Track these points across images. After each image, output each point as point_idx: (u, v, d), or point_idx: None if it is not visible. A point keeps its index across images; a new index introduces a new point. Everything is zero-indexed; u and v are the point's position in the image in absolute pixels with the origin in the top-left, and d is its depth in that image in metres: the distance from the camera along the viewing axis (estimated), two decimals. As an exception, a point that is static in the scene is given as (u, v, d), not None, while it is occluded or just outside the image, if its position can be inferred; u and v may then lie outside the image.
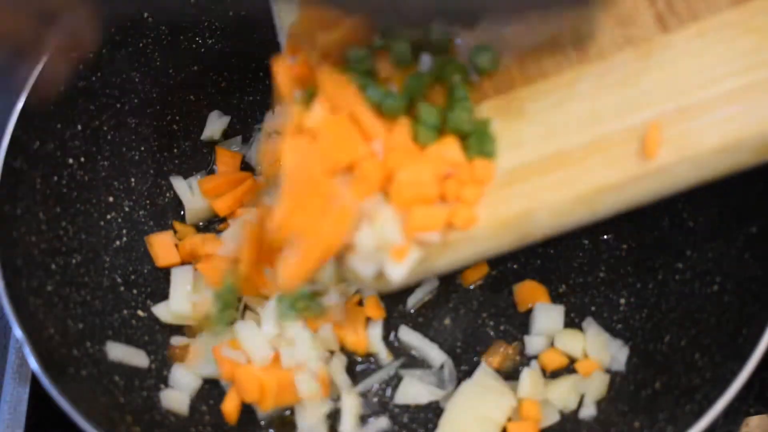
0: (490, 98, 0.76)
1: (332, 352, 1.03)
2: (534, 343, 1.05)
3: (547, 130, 0.74)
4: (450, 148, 0.72)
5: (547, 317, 1.05)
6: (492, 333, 1.07)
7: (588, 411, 0.99)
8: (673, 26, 0.76)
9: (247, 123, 1.20)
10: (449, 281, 1.09)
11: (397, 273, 0.70)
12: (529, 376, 1.01)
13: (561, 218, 0.73)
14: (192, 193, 1.13)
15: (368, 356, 1.05)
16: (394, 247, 0.69)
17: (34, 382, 0.97)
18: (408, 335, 1.06)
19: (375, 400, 1.03)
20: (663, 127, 0.72)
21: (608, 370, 1.02)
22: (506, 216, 0.72)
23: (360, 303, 1.06)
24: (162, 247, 1.08)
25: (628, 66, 0.75)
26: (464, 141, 0.73)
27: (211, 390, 1.02)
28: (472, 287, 1.09)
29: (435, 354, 1.05)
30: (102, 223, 1.07)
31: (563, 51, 0.77)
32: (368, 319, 1.06)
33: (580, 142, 0.73)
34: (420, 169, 0.70)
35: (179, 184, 1.14)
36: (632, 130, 0.73)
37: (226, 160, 1.15)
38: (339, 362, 1.03)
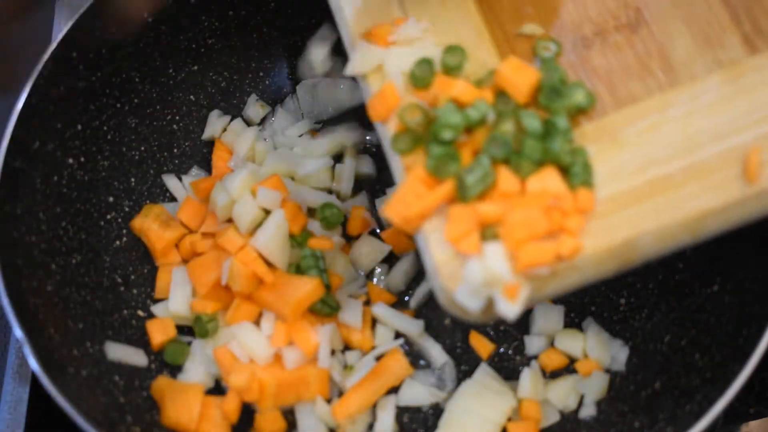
0: (581, 125, 0.76)
1: (333, 351, 1.03)
2: (534, 343, 1.05)
3: (643, 156, 0.74)
4: (552, 179, 0.72)
5: (547, 317, 1.05)
6: (492, 333, 1.07)
7: (588, 411, 0.99)
8: (761, 47, 0.76)
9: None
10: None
11: (512, 311, 0.69)
12: (529, 376, 1.01)
13: (664, 244, 0.74)
14: (186, 193, 1.13)
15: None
16: (506, 286, 0.69)
17: (34, 382, 0.97)
18: (412, 327, 1.05)
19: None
20: (762, 149, 0.72)
21: (608, 370, 1.02)
22: (611, 244, 0.72)
23: (367, 303, 1.07)
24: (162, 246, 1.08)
25: (719, 89, 0.75)
26: (562, 171, 0.73)
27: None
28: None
29: (437, 353, 1.05)
30: (102, 223, 1.07)
31: (652, 74, 0.77)
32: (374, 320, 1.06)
33: (678, 167, 0.73)
34: (530, 207, 0.70)
35: (173, 184, 1.14)
36: (730, 153, 0.73)
37: (222, 155, 1.15)
38: (338, 363, 1.03)
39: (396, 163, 0.77)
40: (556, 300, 1.07)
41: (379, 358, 1.01)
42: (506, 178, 0.71)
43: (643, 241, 0.73)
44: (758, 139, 0.73)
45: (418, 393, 1.02)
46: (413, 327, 1.05)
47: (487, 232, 0.71)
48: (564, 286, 0.73)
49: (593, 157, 0.74)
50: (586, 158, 0.73)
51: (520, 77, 0.75)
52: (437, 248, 0.72)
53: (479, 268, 0.69)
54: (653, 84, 0.77)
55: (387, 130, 0.77)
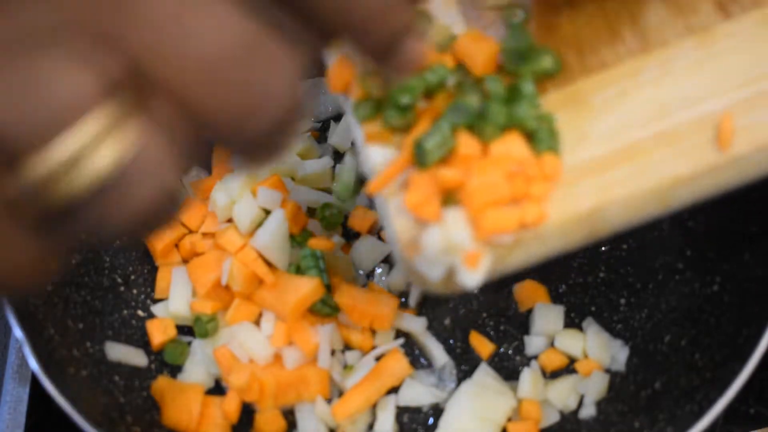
0: (548, 91, 0.74)
1: (333, 351, 1.03)
2: (534, 343, 1.05)
3: (613, 123, 0.72)
4: (516, 145, 0.69)
5: (547, 317, 1.05)
6: (492, 333, 1.07)
7: (588, 411, 0.99)
8: (735, 13, 0.74)
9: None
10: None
11: (473, 280, 0.67)
12: (529, 376, 1.01)
13: (633, 213, 0.71)
14: (186, 193, 1.13)
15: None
16: (466, 254, 0.66)
17: (34, 382, 0.97)
18: (415, 325, 1.05)
19: (375, 400, 1.03)
20: (735, 116, 0.70)
21: (608, 370, 1.02)
22: (576, 212, 0.70)
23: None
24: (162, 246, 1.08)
25: (691, 55, 0.74)
26: (528, 137, 0.70)
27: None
28: (472, 287, 1.09)
29: (439, 353, 1.05)
30: (102, 223, 1.07)
31: (622, 40, 0.75)
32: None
33: (648, 134, 0.71)
34: (491, 172, 0.67)
35: None
36: (702, 119, 0.71)
37: (222, 155, 1.15)
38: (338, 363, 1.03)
39: (358, 131, 0.74)
40: (556, 300, 1.07)
41: (379, 358, 1.01)
42: (467, 143, 0.68)
43: (610, 210, 0.70)
44: (731, 105, 0.71)
45: (418, 393, 1.02)
46: (416, 325, 1.05)
47: (449, 199, 0.68)
48: (528, 256, 0.71)
49: (561, 124, 0.72)
50: (553, 124, 0.71)
51: (478, 48, 0.73)
52: (397, 216, 0.70)
53: (439, 236, 0.66)
54: (623, 50, 0.75)
55: (349, 100, 0.74)
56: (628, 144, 0.72)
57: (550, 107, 0.74)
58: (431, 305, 1.08)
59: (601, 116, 0.73)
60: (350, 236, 1.11)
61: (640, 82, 0.74)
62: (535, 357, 1.04)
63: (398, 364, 1.01)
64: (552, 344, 1.05)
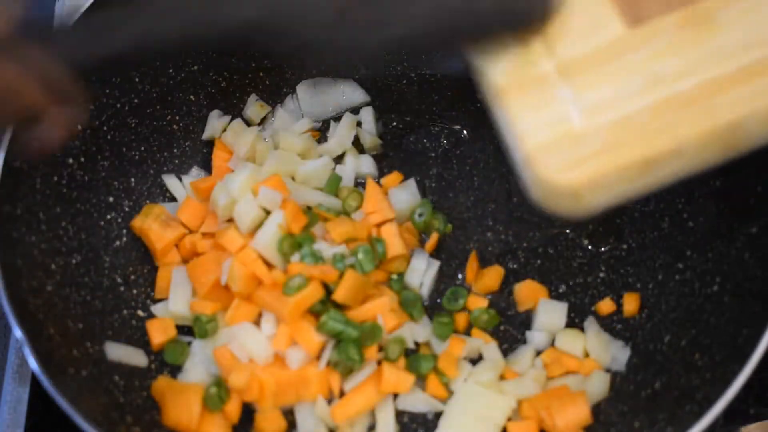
0: (675, 9, 0.73)
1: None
2: (535, 338, 1.05)
3: (744, 38, 0.71)
4: None
5: (550, 314, 1.05)
6: (492, 333, 1.06)
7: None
8: None
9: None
10: (449, 280, 1.09)
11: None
12: (531, 376, 1.01)
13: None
14: (186, 193, 1.13)
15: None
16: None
17: (34, 382, 0.97)
18: (423, 329, 1.05)
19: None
20: None
21: (608, 370, 1.02)
22: (713, 126, 0.69)
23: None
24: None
25: None
26: None
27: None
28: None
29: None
30: (102, 223, 1.07)
31: None
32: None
33: None
34: None
35: (173, 184, 1.14)
36: None
37: (222, 155, 1.15)
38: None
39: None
40: (560, 297, 1.07)
41: (380, 362, 1.01)
42: None
43: (748, 123, 0.69)
44: None
45: (417, 399, 1.01)
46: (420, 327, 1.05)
47: None
48: (664, 175, 0.70)
49: (687, 43, 0.71)
50: None
51: None
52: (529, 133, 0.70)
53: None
54: None
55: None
56: (763, 57, 0.70)
57: (678, 23, 0.72)
58: (430, 305, 1.08)
59: (730, 32, 0.71)
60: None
61: None
62: (537, 353, 1.04)
63: (399, 368, 1.01)
64: (553, 343, 1.04)
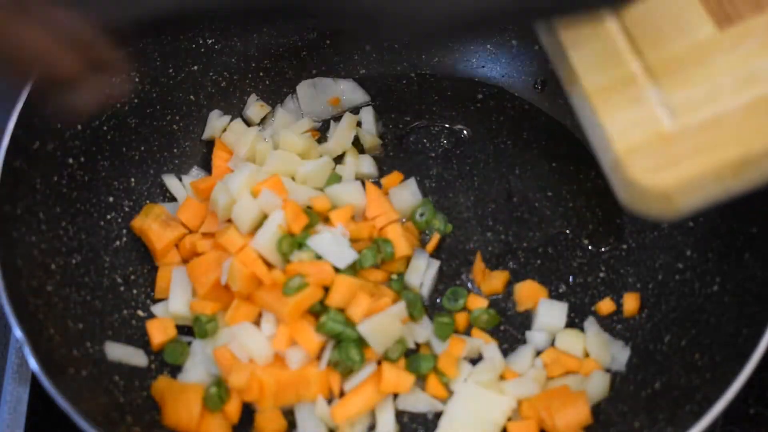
0: (766, 11, 0.73)
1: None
2: (535, 338, 1.05)
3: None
4: None
5: (550, 314, 1.05)
6: (492, 333, 1.06)
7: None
8: None
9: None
10: (449, 280, 1.09)
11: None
12: (531, 376, 1.01)
13: None
14: (186, 193, 1.13)
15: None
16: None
17: (34, 382, 0.97)
18: (424, 329, 1.05)
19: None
20: None
21: (608, 370, 1.02)
22: None
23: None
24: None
25: None
26: None
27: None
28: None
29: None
30: (102, 223, 1.07)
31: None
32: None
33: None
34: None
35: (173, 184, 1.14)
36: None
37: (222, 155, 1.15)
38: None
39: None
40: (560, 297, 1.07)
41: (380, 362, 1.01)
42: None
43: None
44: None
45: (417, 399, 1.01)
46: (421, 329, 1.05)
47: None
48: (761, 174, 0.70)
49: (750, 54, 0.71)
50: None
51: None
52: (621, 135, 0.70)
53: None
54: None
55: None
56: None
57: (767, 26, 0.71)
58: (430, 305, 1.08)
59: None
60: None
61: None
62: (537, 353, 1.04)
63: (399, 369, 1.01)
64: (553, 343, 1.04)
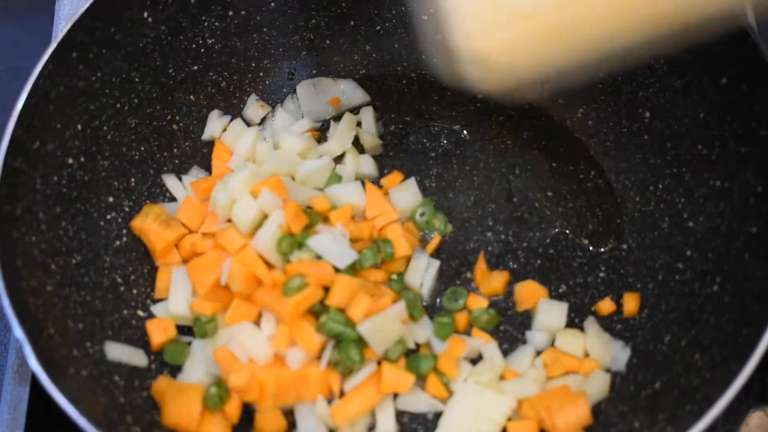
0: None
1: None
2: (535, 338, 1.05)
3: None
4: None
5: (550, 314, 1.05)
6: (492, 333, 1.06)
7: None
8: None
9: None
10: (449, 280, 1.09)
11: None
12: (531, 376, 1.01)
13: None
14: (186, 193, 1.13)
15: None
16: None
17: (34, 382, 0.97)
18: (424, 329, 1.05)
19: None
20: None
21: (608, 370, 1.02)
22: None
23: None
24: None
25: None
26: None
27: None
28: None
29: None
30: (102, 223, 1.07)
31: None
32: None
33: None
34: None
35: (173, 184, 1.14)
36: None
37: (222, 155, 1.15)
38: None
39: None
40: (560, 297, 1.07)
41: (380, 362, 1.01)
42: None
43: None
44: None
45: (417, 399, 1.01)
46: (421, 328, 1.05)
47: None
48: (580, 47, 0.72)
49: None
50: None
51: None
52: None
53: None
54: None
55: None
56: None
57: None
58: (429, 305, 1.08)
59: None
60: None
61: None
62: (537, 353, 1.04)
63: (399, 369, 1.01)
64: (553, 343, 1.04)
